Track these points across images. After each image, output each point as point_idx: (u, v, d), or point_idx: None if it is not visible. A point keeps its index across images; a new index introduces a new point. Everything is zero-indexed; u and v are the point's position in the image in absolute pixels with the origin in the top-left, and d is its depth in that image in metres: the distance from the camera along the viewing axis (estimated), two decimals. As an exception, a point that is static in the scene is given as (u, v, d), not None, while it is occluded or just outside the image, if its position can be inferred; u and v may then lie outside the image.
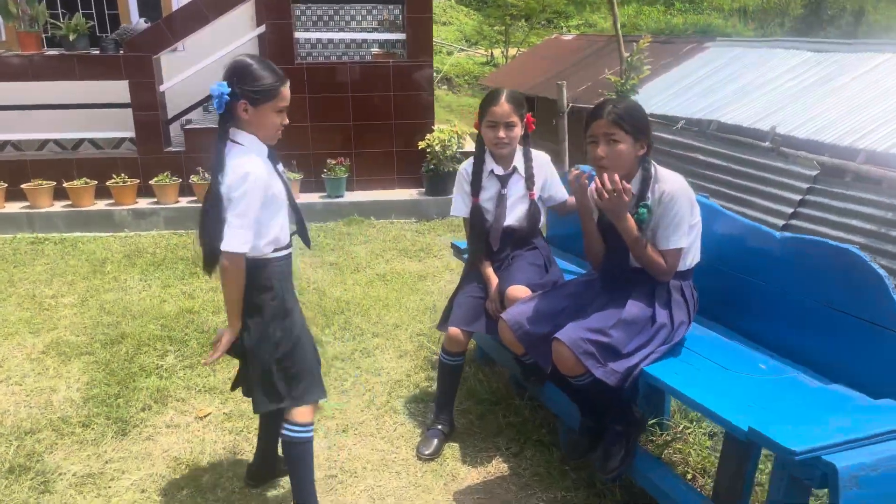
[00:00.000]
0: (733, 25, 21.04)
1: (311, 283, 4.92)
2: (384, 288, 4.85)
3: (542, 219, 3.13)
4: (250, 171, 2.16)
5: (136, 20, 7.55)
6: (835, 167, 4.76)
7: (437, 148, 6.40)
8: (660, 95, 10.04)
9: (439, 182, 6.53)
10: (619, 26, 8.90)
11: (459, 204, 3.11)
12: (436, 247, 5.71)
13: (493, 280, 3.01)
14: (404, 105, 6.67)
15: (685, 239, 2.40)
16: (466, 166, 3.09)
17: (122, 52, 6.39)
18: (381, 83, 6.60)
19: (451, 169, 6.45)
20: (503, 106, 2.90)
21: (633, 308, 2.40)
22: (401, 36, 6.78)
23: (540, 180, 3.09)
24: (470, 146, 6.92)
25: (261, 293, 2.28)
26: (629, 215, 2.38)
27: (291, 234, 2.42)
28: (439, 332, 3.59)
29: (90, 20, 7.82)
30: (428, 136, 6.50)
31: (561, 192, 3.18)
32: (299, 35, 6.76)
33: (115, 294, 4.74)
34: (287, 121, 2.31)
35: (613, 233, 2.47)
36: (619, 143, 2.36)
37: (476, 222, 3.07)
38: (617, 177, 2.31)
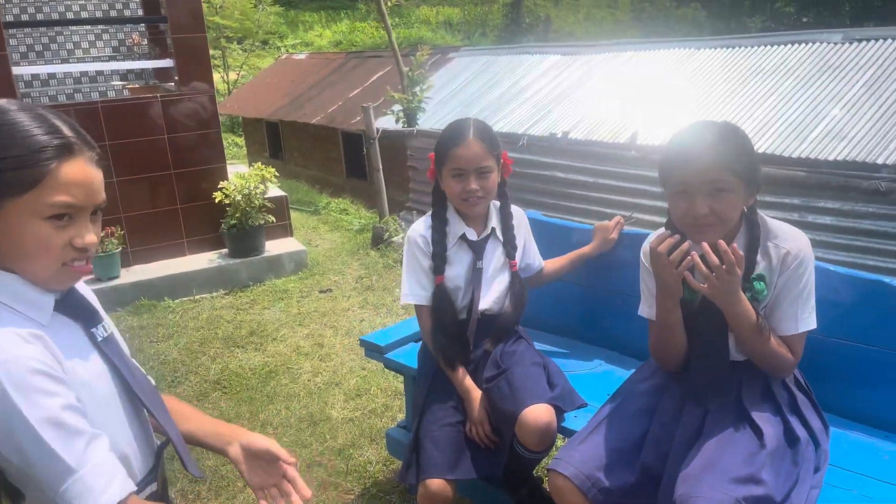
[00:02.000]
0: (442, 37, 21.84)
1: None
2: (227, 402, 3.53)
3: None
4: None
5: None
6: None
7: (238, 198, 5.10)
8: (442, 110, 9.67)
9: (246, 239, 5.23)
10: (393, 39, 8.26)
11: (413, 286, 2.14)
12: (270, 324, 4.45)
13: (474, 395, 2.05)
14: (184, 149, 5.24)
15: (814, 314, 1.67)
16: (422, 231, 2.17)
17: None
18: (148, 124, 5.10)
19: (258, 223, 5.20)
20: (472, 146, 2.00)
21: (768, 427, 1.61)
22: (166, 63, 5.33)
23: (520, 244, 2.20)
24: (275, 191, 5.70)
25: None
26: (743, 295, 1.59)
27: (158, 453, 1.32)
28: (397, 483, 2.53)
29: None
30: (223, 184, 5.17)
31: (537, 259, 2.34)
32: (20, 71, 4.98)
33: None
34: (96, 238, 1.24)
35: (708, 321, 1.67)
36: (728, 194, 1.56)
37: (442, 310, 2.10)
38: (723, 243, 1.52)
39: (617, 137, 7.14)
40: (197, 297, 5.04)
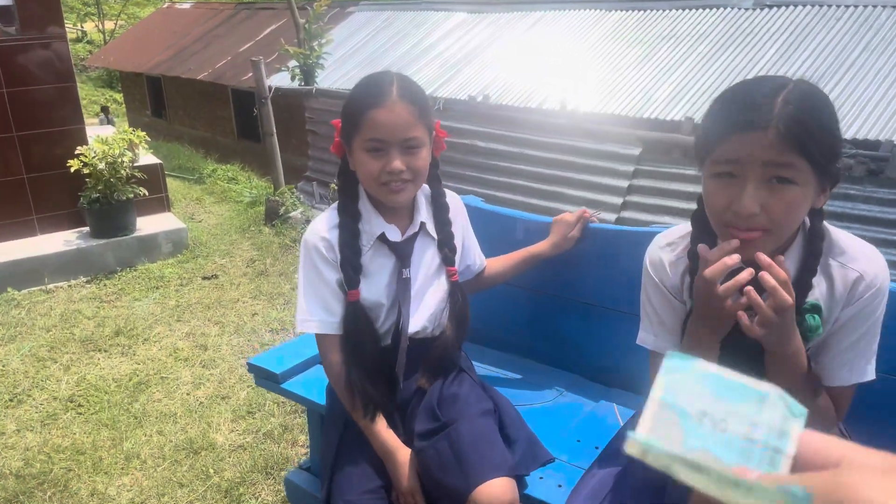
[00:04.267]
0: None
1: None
2: (82, 426, 2.84)
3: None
4: None
5: None
6: (659, 142, 4.10)
7: (102, 167, 4.27)
8: (342, 68, 8.92)
9: (112, 216, 4.41)
10: (291, -11, 7.42)
11: (314, 307, 1.55)
12: (142, 320, 3.72)
13: (401, 456, 1.52)
14: (30, 106, 4.32)
15: (874, 362, 1.23)
16: (324, 233, 1.55)
17: None
18: (-20, 75, 4.15)
19: (126, 196, 4.38)
20: (396, 109, 1.43)
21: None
22: (4, 0, 4.34)
23: (458, 243, 1.66)
24: (148, 158, 4.86)
25: None
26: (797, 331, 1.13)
27: None
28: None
29: None
30: (81, 149, 4.31)
31: (479, 258, 1.80)
32: None
33: None
34: (402, 166, 1.46)
35: (739, 358, 1.20)
36: (794, 187, 1.05)
37: (358, 338, 1.54)
38: (765, 258, 1.05)
39: (531, 102, 6.72)
40: (50, 286, 4.19)
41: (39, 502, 2.39)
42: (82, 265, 4.31)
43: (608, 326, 1.87)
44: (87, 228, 4.50)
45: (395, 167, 1.42)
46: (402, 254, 1.56)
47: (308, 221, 4.94)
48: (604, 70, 7.08)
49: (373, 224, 1.55)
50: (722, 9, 7.54)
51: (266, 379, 2.00)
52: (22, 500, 2.40)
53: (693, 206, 1.27)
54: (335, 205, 1.59)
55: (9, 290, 4.06)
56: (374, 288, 1.55)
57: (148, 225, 4.64)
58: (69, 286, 4.21)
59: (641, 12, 8.00)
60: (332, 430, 1.66)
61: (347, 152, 1.52)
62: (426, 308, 1.60)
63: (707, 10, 7.63)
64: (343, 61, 9.07)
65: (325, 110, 6.31)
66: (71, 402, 3.02)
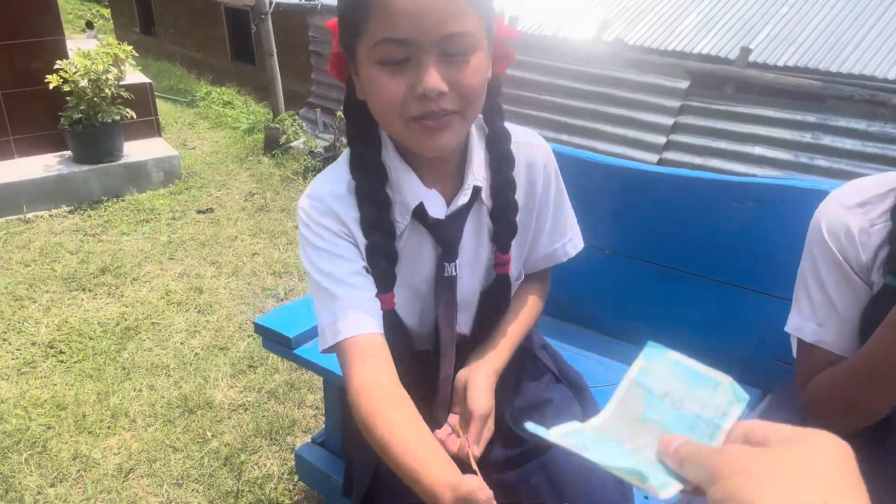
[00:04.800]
0: None
1: None
2: (64, 376, 2.54)
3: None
4: None
5: None
6: (710, 75, 3.66)
7: (85, 84, 3.84)
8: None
9: (97, 140, 4.01)
10: None
11: (327, 315, 0.98)
12: (130, 257, 3.38)
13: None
14: (2, 15, 3.85)
15: None
16: (333, 204, 1.00)
17: None
18: (-56, -26, 3.67)
19: (111, 118, 3.97)
20: None
21: None
22: None
23: (530, 220, 1.13)
24: (136, 76, 4.42)
25: None
26: None
27: None
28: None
29: None
30: (61, 63, 3.86)
31: (571, 241, 1.20)
32: None
33: None
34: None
35: None
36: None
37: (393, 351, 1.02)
38: None
39: (549, 29, 6.22)
40: (28, 215, 3.82)
41: (14, 465, 2.10)
42: (64, 193, 3.94)
43: (690, 293, 1.55)
44: (68, 153, 4.10)
45: (431, 85, 0.85)
46: (445, 239, 1.02)
47: (311, 153, 4.55)
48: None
49: (404, 189, 1.00)
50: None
51: (276, 343, 1.68)
52: (-8, 464, 2.11)
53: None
54: (341, 158, 1.06)
55: (-17, 218, 3.70)
56: (407, 286, 1.06)
57: (136, 151, 4.24)
58: (50, 216, 3.84)
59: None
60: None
61: (353, 73, 0.96)
62: (470, 305, 1.12)
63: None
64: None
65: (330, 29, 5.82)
66: (51, 347, 2.71)
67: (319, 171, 4.16)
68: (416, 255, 1.04)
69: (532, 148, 1.10)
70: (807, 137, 3.47)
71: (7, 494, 2.00)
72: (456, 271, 1.04)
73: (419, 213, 1.01)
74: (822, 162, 3.56)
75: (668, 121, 3.79)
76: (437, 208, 1.01)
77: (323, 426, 1.95)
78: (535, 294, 1.22)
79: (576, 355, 1.65)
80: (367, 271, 1.00)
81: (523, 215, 1.09)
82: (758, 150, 3.49)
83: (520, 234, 1.09)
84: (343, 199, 1.00)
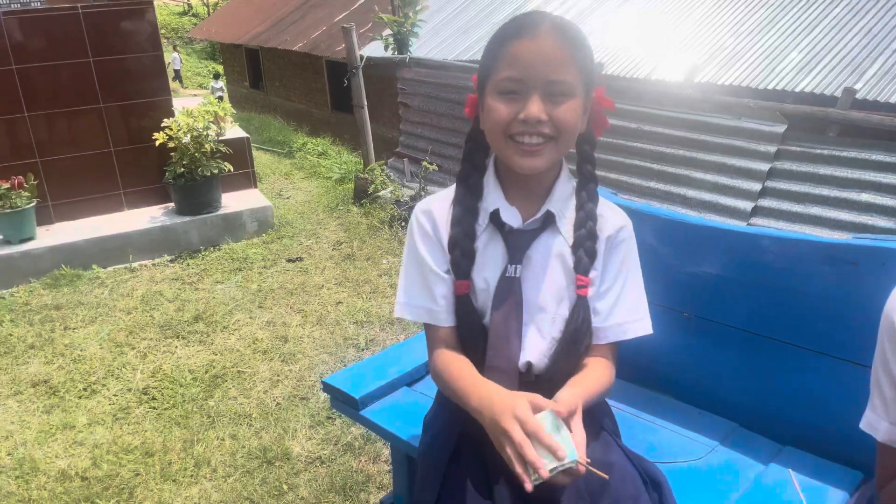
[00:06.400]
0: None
1: (-3, 448, 2.50)
2: (154, 423, 2.63)
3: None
4: None
5: None
6: (809, 117, 3.46)
7: (187, 140, 4.08)
8: (438, 37, 8.53)
9: (197, 192, 4.23)
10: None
11: (416, 293, 1.26)
12: (222, 305, 3.51)
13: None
14: (117, 77, 4.18)
15: None
16: (432, 206, 1.27)
17: None
18: (68, 45, 4.02)
19: (210, 172, 4.18)
20: (545, 40, 1.08)
21: None
22: (90, -36, 4.20)
23: (599, 261, 1.23)
24: (235, 131, 4.66)
25: None
26: None
27: None
28: None
29: None
30: (167, 122, 4.13)
31: (634, 314, 1.25)
32: None
33: None
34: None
35: None
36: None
37: (467, 341, 1.24)
38: None
39: (643, 72, 6.09)
40: (134, 264, 4.06)
41: (102, 511, 2.18)
42: (166, 243, 4.17)
43: (779, 362, 1.41)
44: (172, 205, 4.35)
45: (533, 113, 1.08)
46: (514, 244, 1.20)
47: (398, 202, 4.62)
48: (724, 36, 6.36)
49: (489, 200, 1.22)
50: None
51: (343, 403, 1.66)
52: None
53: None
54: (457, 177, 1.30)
55: (94, 267, 3.96)
56: (481, 279, 1.22)
57: (233, 202, 4.45)
58: (153, 265, 4.07)
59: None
60: (431, 470, 1.28)
61: (479, 107, 1.20)
62: (535, 335, 1.20)
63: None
64: (439, 29, 8.67)
65: (418, 81, 5.95)
66: (145, 394, 2.82)
67: (405, 220, 4.20)
68: (490, 255, 1.21)
69: (613, 210, 1.26)
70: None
71: (93, 541, 2.06)
72: (518, 274, 1.19)
73: (496, 219, 1.21)
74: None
75: (764, 167, 3.58)
76: (513, 220, 1.21)
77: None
78: (603, 367, 1.20)
79: (650, 424, 1.54)
80: (448, 272, 1.23)
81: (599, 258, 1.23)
82: (864, 197, 3.22)
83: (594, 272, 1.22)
84: (442, 204, 1.25)
